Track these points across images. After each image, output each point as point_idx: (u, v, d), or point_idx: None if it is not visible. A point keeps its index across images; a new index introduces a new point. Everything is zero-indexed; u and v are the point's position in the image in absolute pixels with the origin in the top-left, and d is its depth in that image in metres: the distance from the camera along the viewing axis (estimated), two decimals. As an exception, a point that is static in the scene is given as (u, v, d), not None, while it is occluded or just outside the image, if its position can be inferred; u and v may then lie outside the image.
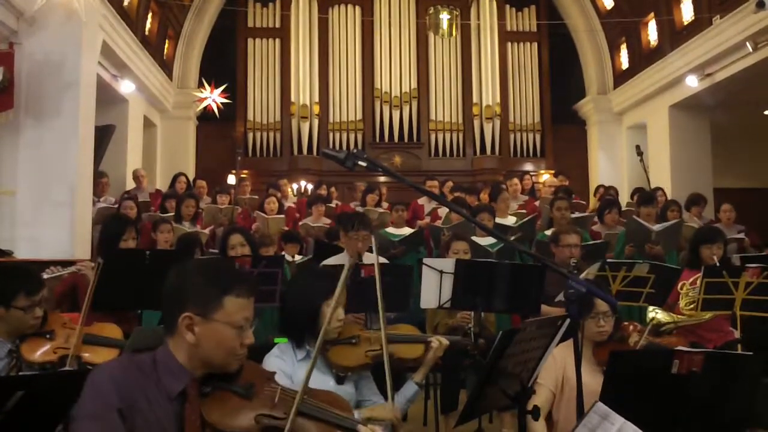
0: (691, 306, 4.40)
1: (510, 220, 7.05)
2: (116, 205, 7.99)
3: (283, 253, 6.49)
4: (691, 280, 4.55)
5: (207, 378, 1.91)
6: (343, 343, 2.79)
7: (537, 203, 9.00)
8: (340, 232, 5.07)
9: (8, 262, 4.67)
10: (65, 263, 4.00)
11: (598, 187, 10.63)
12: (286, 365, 2.64)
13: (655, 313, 4.35)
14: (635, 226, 6.25)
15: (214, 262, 2.00)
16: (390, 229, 7.12)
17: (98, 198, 8.26)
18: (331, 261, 4.82)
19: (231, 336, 1.87)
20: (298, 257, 6.57)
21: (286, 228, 7.68)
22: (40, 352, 3.15)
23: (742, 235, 7.23)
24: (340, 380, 2.75)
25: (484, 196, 9.10)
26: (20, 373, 2.98)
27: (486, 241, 6.04)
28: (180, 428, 1.82)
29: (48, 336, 3.23)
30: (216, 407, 1.87)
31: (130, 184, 10.21)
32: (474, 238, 5.88)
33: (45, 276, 3.78)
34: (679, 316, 4.49)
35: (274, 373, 2.11)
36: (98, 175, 8.47)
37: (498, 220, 7.01)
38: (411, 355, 2.94)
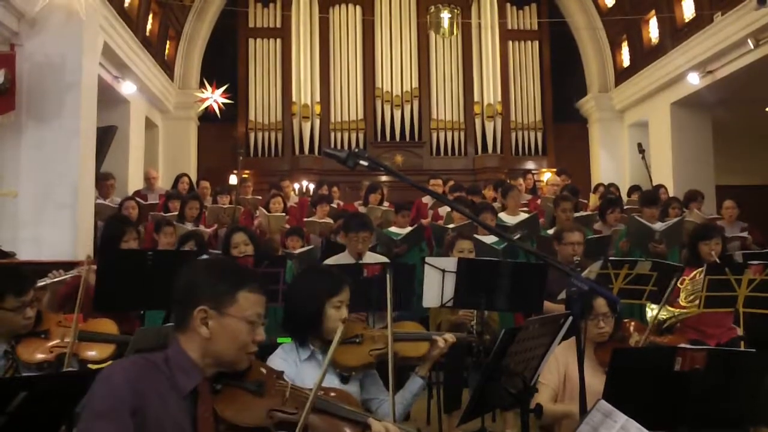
0: (690, 299, 4.40)
1: (517, 219, 7.02)
2: (118, 205, 7.98)
3: (286, 250, 6.51)
4: (691, 275, 4.55)
5: (217, 376, 1.92)
6: (347, 343, 2.79)
7: (539, 201, 8.99)
8: (341, 233, 5.10)
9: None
10: (67, 266, 3.99)
11: (598, 185, 10.62)
12: (290, 367, 2.64)
13: (652, 311, 4.34)
14: (637, 225, 6.25)
15: (225, 260, 2.04)
16: (392, 228, 7.13)
17: (104, 199, 8.25)
18: (332, 260, 4.83)
19: (244, 331, 1.89)
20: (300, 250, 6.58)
21: (287, 226, 7.70)
22: (37, 352, 3.15)
23: (745, 233, 7.23)
24: (344, 380, 2.75)
25: (488, 193, 9.10)
26: (18, 374, 2.98)
27: (491, 239, 6.04)
28: (193, 425, 1.83)
29: (43, 336, 3.24)
30: (229, 404, 1.89)
31: (133, 185, 10.22)
32: (477, 236, 5.88)
33: (48, 280, 3.79)
34: (678, 310, 4.49)
35: (282, 372, 2.12)
36: (104, 177, 8.47)
37: (507, 218, 7.01)
38: (415, 353, 2.93)
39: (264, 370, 2.04)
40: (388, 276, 2.66)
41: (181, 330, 1.91)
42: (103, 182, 8.41)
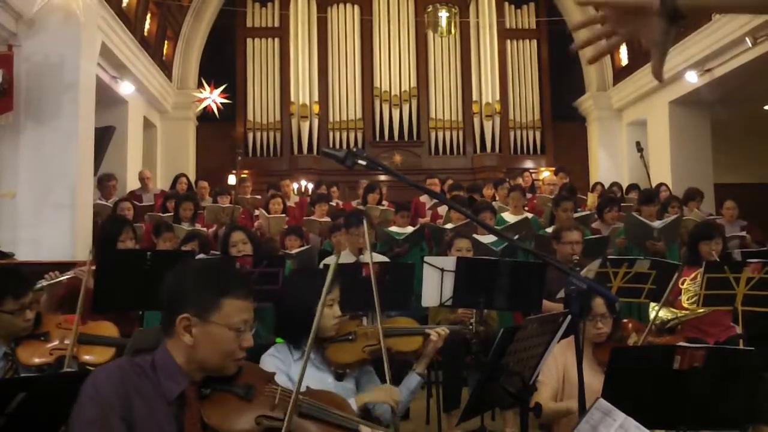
0: (692, 300, 4.40)
1: (516, 218, 7.02)
2: (111, 205, 7.98)
3: (284, 250, 6.50)
4: (692, 275, 4.55)
5: (206, 380, 1.89)
6: (340, 341, 2.80)
7: (536, 201, 8.99)
8: (342, 230, 5.08)
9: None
10: (62, 266, 3.98)
11: (596, 184, 10.62)
12: (283, 364, 2.64)
13: (655, 311, 4.34)
14: (635, 222, 6.26)
15: (212, 263, 1.99)
16: (394, 228, 7.14)
17: (106, 200, 8.25)
18: (331, 260, 4.82)
19: (229, 338, 1.85)
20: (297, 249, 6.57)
21: (287, 227, 7.69)
22: (36, 355, 3.14)
23: (744, 232, 7.23)
24: (339, 377, 2.76)
25: (488, 192, 9.10)
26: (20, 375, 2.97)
27: (489, 239, 6.04)
28: (180, 431, 1.80)
29: (43, 338, 3.23)
30: (216, 409, 1.86)
31: (131, 185, 10.21)
32: (476, 236, 5.88)
33: (44, 282, 3.78)
34: (680, 311, 4.49)
35: (274, 373, 2.10)
36: (106, 178, 8.48)
37: (508, 217, 7.01)
38: (409, 348, 2.94)
39: (254, 374, 2.01)
40: (371, 273, 2.66)
41: (167, 335, 1.88)
42: (105, 183, 8.42)
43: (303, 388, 2.03)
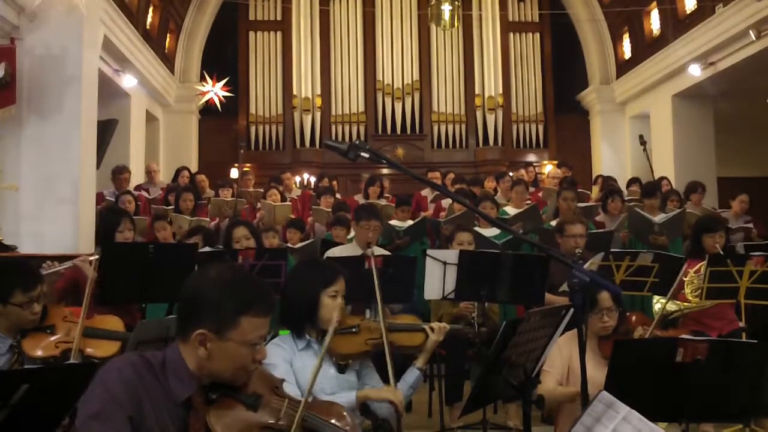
0: (696, 293, 4.40)
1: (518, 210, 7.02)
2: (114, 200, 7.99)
3: (286, 244, 6.50)
4: (696, 267, 4.54)
5: (214, 384, 1.88)
6: (344, 332, 2.82)
7: (540, 194, 8.98)
8: (351, 222, 5.09)
9: (4, 258, 4.64)
10: (63, 258, 3.98)
11: (598, 177, 10.61)
12: (286, 352, 2.66)
13: (661, 303, 4.34)
14: (638, 217, 6.25)
15: (234, 276, 1.92)
16: (394, 222, 7.13)
17: (118, 191, 8.25)
18: (336, 252, 4.83)
19: (244, 354, 1.84)
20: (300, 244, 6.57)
21: (293, 216, 7.71)
22: (42, 347, 3.15)
23: (750, 225, 7.22)
24: (341, 369, 2.78)
25: (489, 185, 9.09)
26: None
27: (490, 232, 6.03)
28: None
29: (49, 331, 3.24)
30: (222, 417, 1.85)
31: (134, 179, 10.17)
32: (478, 228, 5.87)
33: (42, 272, 3.78)
34: (685, 304, 4.49)
35: (282, 380, 2.09)
36: (119, 171, 8.49)
37: (510, 209, 7.01)
38: (411, 343, 2.98)
39: (262, 381, 1.99)
40: (374, 268, 2.67)
41: (181, 339, 1.86)
42: (118, 176, 8.43)
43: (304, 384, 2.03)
